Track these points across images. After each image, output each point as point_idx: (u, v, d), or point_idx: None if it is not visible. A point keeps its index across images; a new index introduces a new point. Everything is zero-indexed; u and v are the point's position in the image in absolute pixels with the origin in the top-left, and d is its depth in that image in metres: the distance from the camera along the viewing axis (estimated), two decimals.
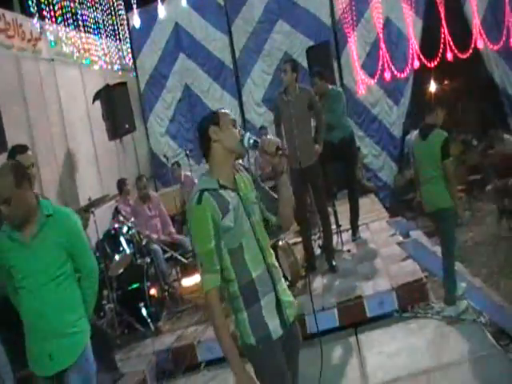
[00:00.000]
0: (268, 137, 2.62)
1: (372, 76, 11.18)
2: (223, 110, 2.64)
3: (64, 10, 8.91)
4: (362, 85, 11.20)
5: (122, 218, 6.52)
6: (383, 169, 11.48)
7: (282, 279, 2.70)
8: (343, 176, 7.26)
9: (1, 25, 7.32)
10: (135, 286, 5.96)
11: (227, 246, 2.51)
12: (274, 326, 2.56)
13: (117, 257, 5.98)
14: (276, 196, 2.73)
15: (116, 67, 10.81)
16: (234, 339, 2.52)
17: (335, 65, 10.88)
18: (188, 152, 8.44)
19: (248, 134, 2.60)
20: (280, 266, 5.94)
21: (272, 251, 2.71)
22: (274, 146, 2.54)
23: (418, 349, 4.52)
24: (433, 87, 12.04)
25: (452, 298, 5.04)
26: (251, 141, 2.57)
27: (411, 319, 5.05)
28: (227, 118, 2.61)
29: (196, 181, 2.81)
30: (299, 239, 6.87)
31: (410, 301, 5.20)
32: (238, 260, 2.53)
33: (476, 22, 11.20)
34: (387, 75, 11.03)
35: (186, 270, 6.32)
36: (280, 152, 2.54)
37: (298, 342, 2.75)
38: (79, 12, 9.58)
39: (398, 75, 11.10)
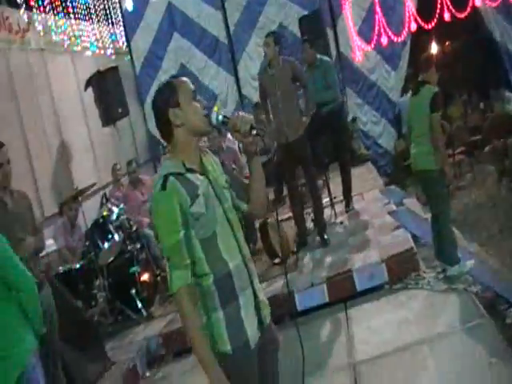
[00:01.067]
0: (241, 113, 2.30)
1: (368, 42, 10.89)
2: (181, 79, 2.29)
3: None
4: (359, 51, 10.92)
5: (110, 205, 6.49)
6: (383, 135, 11.23)
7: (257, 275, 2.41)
8: (334, 148, 7.15)
9: None
10: (126, 272, 5.94)
11: (199, 236, 2.18)
12: (252, 331, 2.27)
13: (106, 245, 5.95)
14: (246, 182, 2.45)
15: (109, 52, 10.69)
16: None
17: (331, 33, 10.71)
18: None
19: (215, 109, 2.33)
20: (271, 242, 5.91)
21: (245, 242, 2.38)
22: (247, 125, 2.23)
23: (407, 322, 4.43)
24: (434, 49, 11.76)
25: (455, 258, 4.93)
26: (220, 117, 2.28)
27: (401, 291, 4.94)
28: (187, 92, 2.26)
29: None
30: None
31: (401, 272, 5.09)
32: (211, 250, 2.21)
33: None
34: (384, 40, 10.70)
35: None
36: (254, 132, 2.24)
37: (276, 345, 2.44)
38: None
39: (395, 39, 10.78)
